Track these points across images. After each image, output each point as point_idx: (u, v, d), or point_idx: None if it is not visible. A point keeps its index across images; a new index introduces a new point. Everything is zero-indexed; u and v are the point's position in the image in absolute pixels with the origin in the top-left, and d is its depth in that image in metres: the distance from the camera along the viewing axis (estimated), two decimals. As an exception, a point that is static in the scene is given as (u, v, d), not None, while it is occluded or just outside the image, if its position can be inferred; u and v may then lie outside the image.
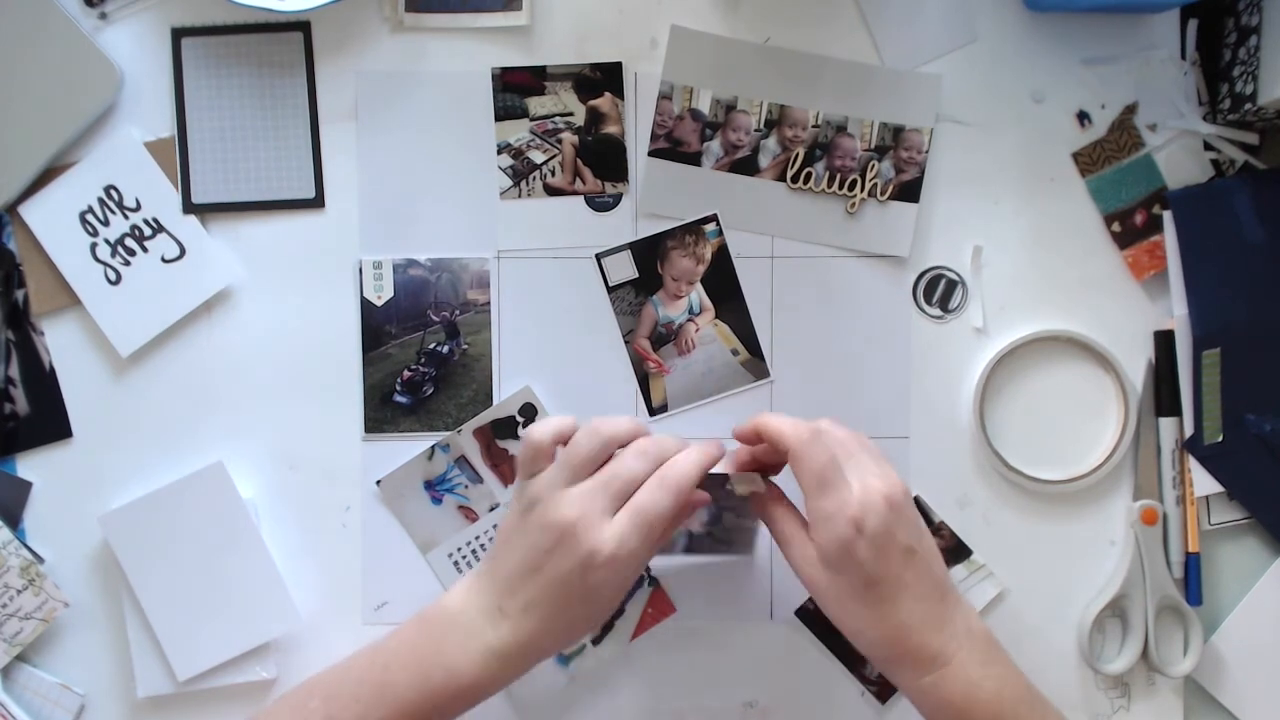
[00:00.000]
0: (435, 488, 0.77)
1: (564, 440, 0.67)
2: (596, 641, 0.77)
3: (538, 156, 0.77)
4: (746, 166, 0.77)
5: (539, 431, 0.67)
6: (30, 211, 0.76)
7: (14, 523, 0.76)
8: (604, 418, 0.67)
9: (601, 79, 0.77)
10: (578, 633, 0.69)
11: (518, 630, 0.65)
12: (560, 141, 0.77)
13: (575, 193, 0.77)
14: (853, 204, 0.77)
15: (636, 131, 0.77)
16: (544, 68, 0.77)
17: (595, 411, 0.76)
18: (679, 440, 0.67)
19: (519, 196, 0.77)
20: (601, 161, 0.77)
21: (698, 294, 0.77)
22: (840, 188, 0.77)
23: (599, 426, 0.66)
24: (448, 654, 0.65)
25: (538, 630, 0.65)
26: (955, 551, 0.77)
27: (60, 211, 0.76)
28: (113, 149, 0.76)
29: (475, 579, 0.67)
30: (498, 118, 0.77)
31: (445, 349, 0.77)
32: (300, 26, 0.76)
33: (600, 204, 0.77)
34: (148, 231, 0.76)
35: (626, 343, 0.77)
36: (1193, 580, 0.76)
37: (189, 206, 0.77)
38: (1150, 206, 0.77)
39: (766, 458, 0.70)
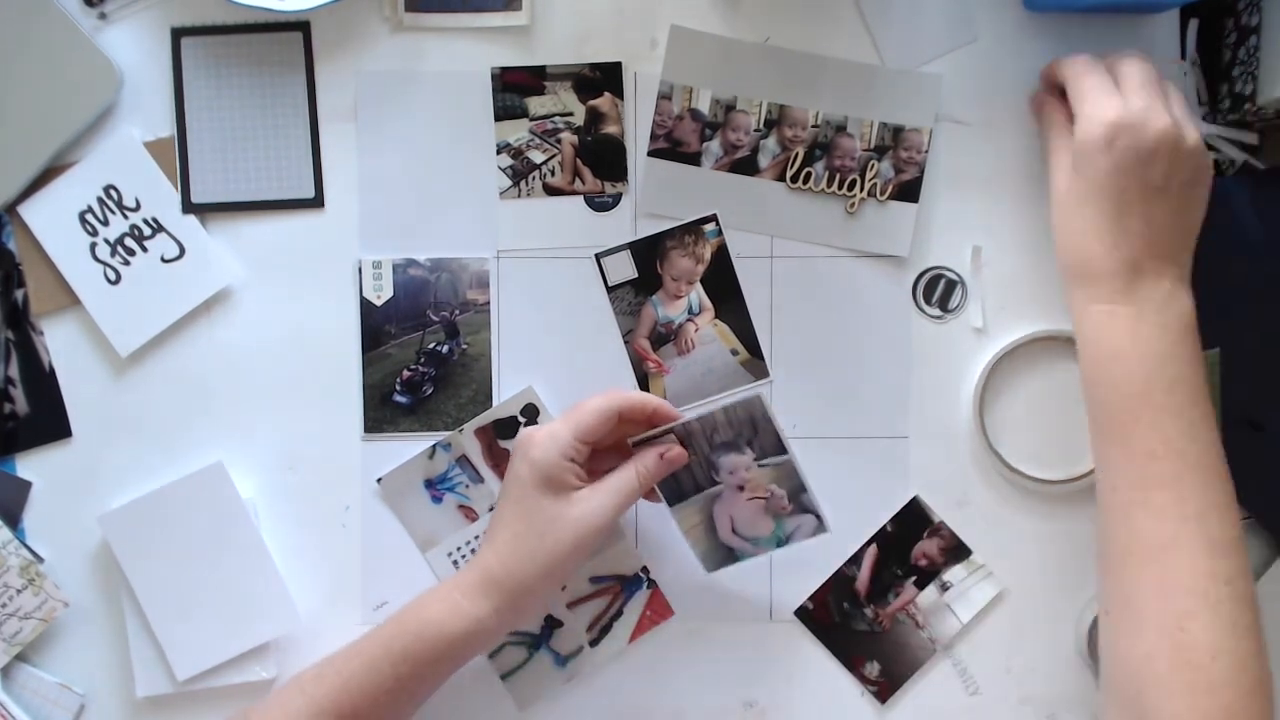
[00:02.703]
0: (436, 486, 0.77)
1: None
2: (595, 643, 0.77)
3: (537, 156, 0.77)
4: (746, 166, 0.77)
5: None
6: (30, 211, 0.76)
7: (14, 522, 0.76)
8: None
9: (601, 79, 0.77)
10: (537, 563, 0.69)
11: (484, 563, 0.69)
12: (560, 141, 0.77)
13: (575, 193, 0.77)
14: (852, 204, 0.77)
15: (636, 131, 0.77)
16: (544, 68, 0.77)
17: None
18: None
19: (519, 196, 0.77)
20: (601, 161, 0.77)
21: (697, 294, 0.77)
22: (840, 188, 0.77)
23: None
24: (428, 605, 0.69)
25: (500, 554, 0.69)
26: (955, 551, 0.77)
27: (60, 211, 0.76)
28: (112, 149, 0.76)
29: (465, 573, 0.70)
30: (497, 117, 0.77)
31: (445, 349, 0.77)
32: (300, 26, 0.76)
33: (600, 204, 0.77)
34: (147, 231, 0.76)
35: (626, 343, 0.77)
36: (1192, 580, 0.76)
37: (189, 206, 0.77)
38: (1150, 206, 0.77)
39: None
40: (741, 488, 0.73)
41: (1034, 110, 0.75)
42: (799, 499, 0.73)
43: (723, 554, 0.75)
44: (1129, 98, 0.66)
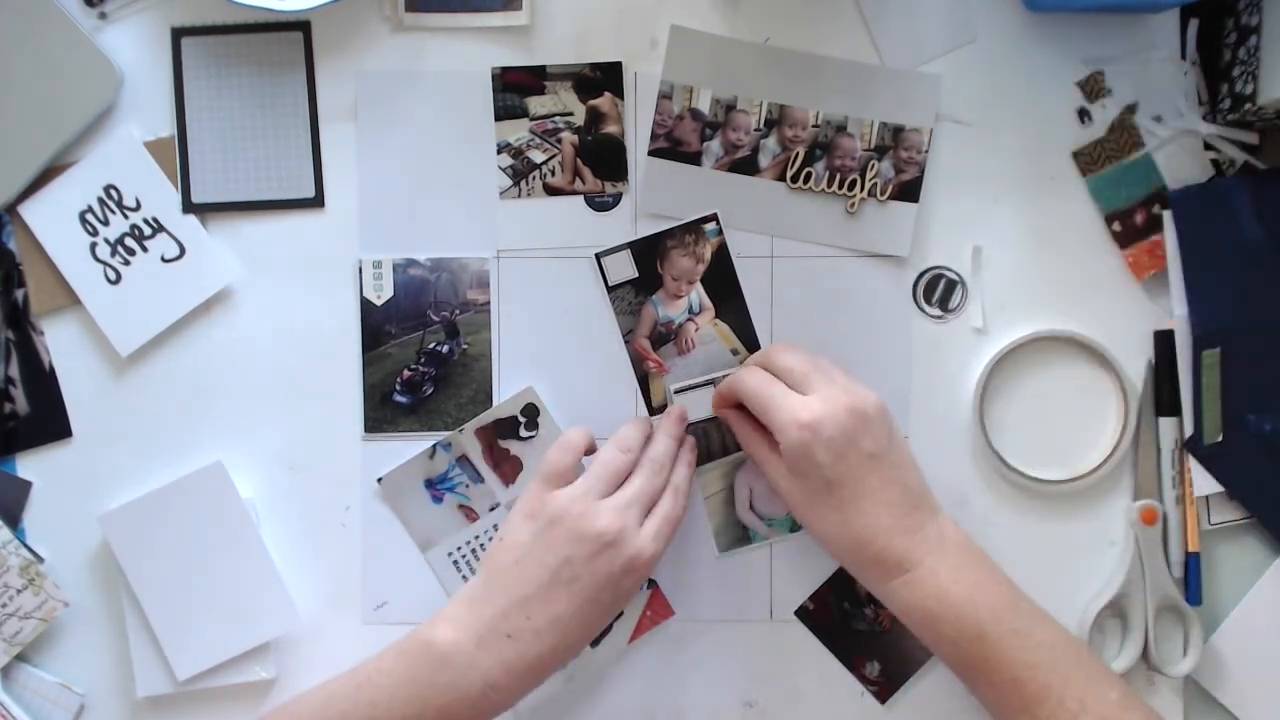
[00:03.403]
0: (436, 486, 0.77)
1: (587, 452, 0.73)
2: (595, 644, 0.77)
3: (538, 156, 0.77)
4: (746, 166, 0.77)
5: (567, 446, 0.71)
6: (30, 211, 0.76)
7: (14, 522, 0.76)
8: (619, 433, 0.73)
9: (601, 79, 0.77)
10: (586, 640, 0.71)
11: (527, 654, 0.67)
12: (560, 141, 0.77)
13: (575, 192, 0.77)
14: (852, 204, 0.77)
15: (636, 131, 0.77)
16: (544, 67, 0.77)
17: (595, 410, 0.77)
18: (668, 440, 0.74)
19: (519, 196, 0.77)
20: (601, 161, 0.77)
21: (697, 293, 0.77)
22: (840, 187, 0.77)
23: (621, 443, 0.72)
24: (441, 696, 0.66)
25: (555, 647, 0.67)
26: (955, 551, 0.77)
27: (60, 211, 0.76)
28: (113, 149, 0.76)
29: (468, 608, 0.68)
30: (498, 117, 0.77)
31: (445, 349, 0.77)
32: (300, 26, 0.76)
33: (600, 204, 0.77)
34: (147, 231, 0.76)
35: (626, 342, 0.77)
36: (1192, 580, 0.76)
37: (189, 206, 0.77)
38: (1150, 206, 0.77)
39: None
40: None
41: (725, 425, 0.76)
42: None
43: (736, 533, 0.77)
44: (807, 393, 0.69)
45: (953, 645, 0.67)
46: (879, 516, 0.68)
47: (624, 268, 0.77)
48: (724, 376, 0.76)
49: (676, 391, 0.77)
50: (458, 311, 0.77)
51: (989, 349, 0.77)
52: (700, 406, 0.77)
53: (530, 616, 0.67)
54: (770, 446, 0.71)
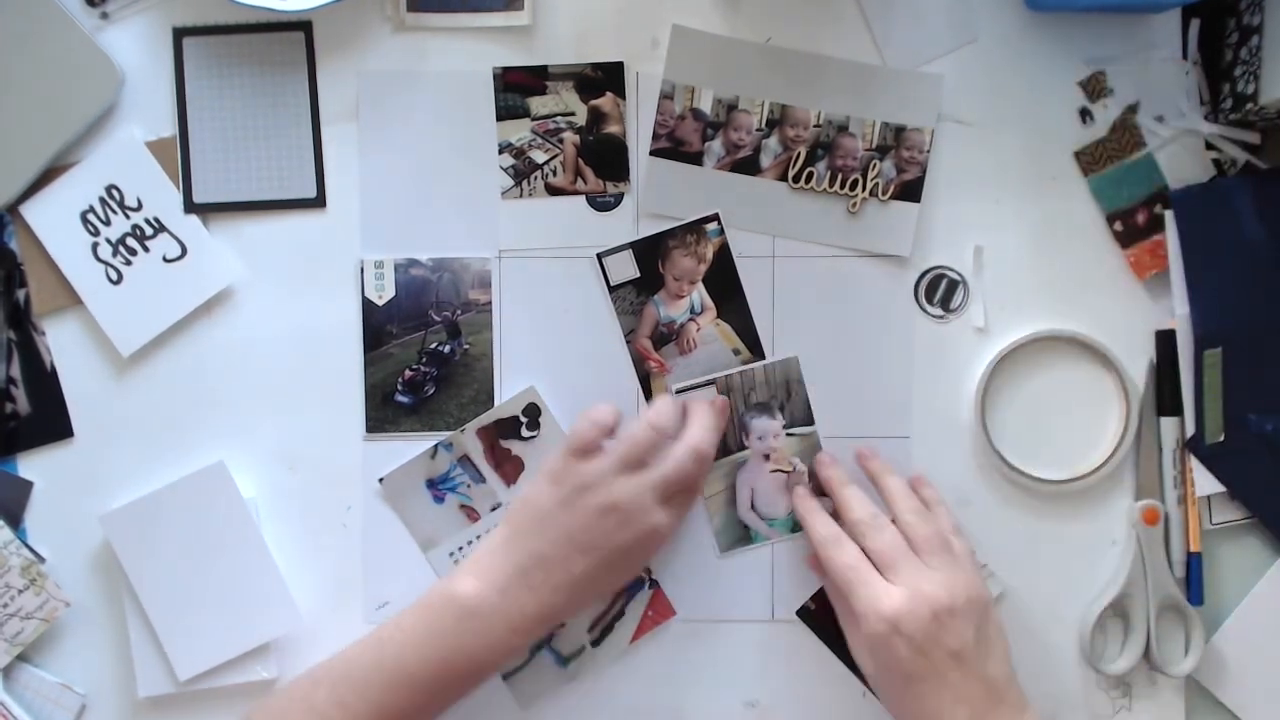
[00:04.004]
0: (438, 486, 0.77)
1: (612, 431, 0.73)
2: (596, 643, 0.77)
3: (539, 156, 0.77)
4: (748, 166, 0.77)
5: (596, 422, 0.72)
6: (31, 211, 0.76)
7: (15, 522, 0.76)
8: (654, 410, 0.73)
9: (603, 78, 0.77)
10: (601, 598, 0.76)
11: (547, 603, 0.69)
12: (562, 141, 0.77)
13: (577, 192, 0.77)
14: (854, 204, 0.77)
15: (638, 131, 0.77)
16: (545, 67, 0.77)
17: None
18: (704, 433, 0.73)
19: (520, 196, 0.77)
20: (603, 161, 0.77)
21: (699, 293, 0.77)
22: (842, 187, 0.77)
23: (654, 421, 0.72)
24: (468, 643, 0.69)
25: (569, 600, 0.70)
26: (957, 551, 0.77)
27: (62, 211, 0.76)
28: (114, 149, 0.76)
29: (490, 560, 0.70)
30: (499, 117, 0.77)
31: (447, 349, 0.77)
32: (302, 26, 0.76)
33: (602, 203, 0.77)
34: (149, 231, 0.76)
35: (628, 342, 0.77)
36: (1194, 580, 0.76)
37: (190, 206, 0.77)
38: (1152, 206, 0.77)
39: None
40: (767, 457, 0.77)
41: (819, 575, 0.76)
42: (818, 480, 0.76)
43: (737, 533, 0.77)
44: (895, 578, 0.68)
45: None
46: (956, 713, 0.66)
47: (625, 268, 0.77)
48: (725, 376, 0.76)
49: (677, 391, 0.77)
50: (459, 311, 0.77)
51: (990, 349, 0.77)
52: None
53: (548, 574, 0.69)
54: (854, 618, 0.70)
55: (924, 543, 0.70)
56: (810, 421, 0.77)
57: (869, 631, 0.68)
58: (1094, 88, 0.77)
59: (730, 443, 0.77)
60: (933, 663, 0.66)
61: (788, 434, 0.77)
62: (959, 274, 0.77)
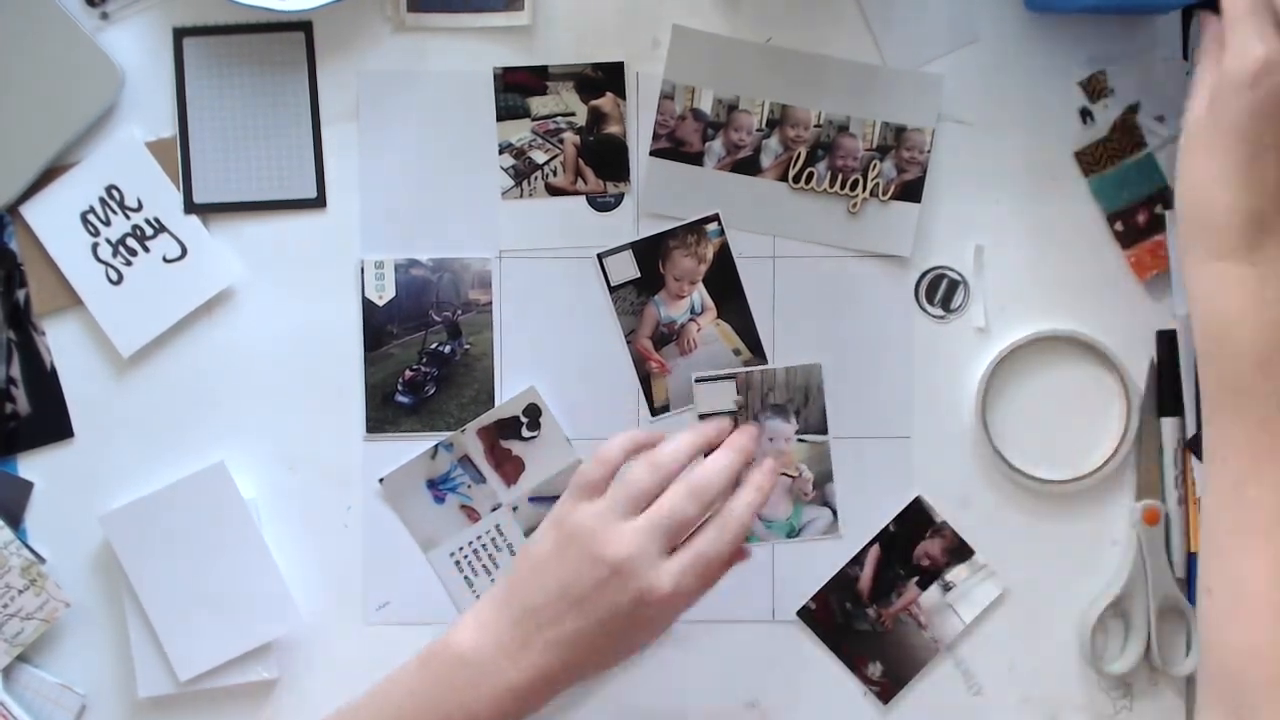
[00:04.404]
0: (438, 486, 0.77)
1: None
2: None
3: (539, 156, 0.77)
4: (748, 166, 0.77)
5: (604, 460, 0.67)
6: (31, 211, 0.76)
7: (15, 523, 0.76)
8: (662, 447, 0.67)
9: (603, 79, 0.77)
10: (604, 669, 0.69)
11: (541, 664, 0.64)
12: (562, 141, 0.77)
13: (577, 192, 0.77)
14: (854, 204, 0.77)
15: (638, 131, 0.77)
16: (545, 67, 0.77)
17: (598, 411, 0.77)
18: (726, 468, 0.67)
19: (520, 196, 0.77)
20: (603, 161, 0.77)
21: (699, 294, 0.77)
22: (842, 187, 0.77)
23: (659, 460, 0.66)
24: (463, 696, 0.64)
25: (565, 664, 0.64)
26: (957, 552, 0.77)
27: (61, 211, 0.76)
28: (114, 149, 0.76)
29: (490, 609, 0.66)
30: (499, 117, 0.77)
31: (447, 349, 0.77)
32: (302, 26, 0.76)
33: (602, 204, 0.77)
34: (149, 231, 0.76)
35: (628, 342, 0.77)
36: (1194, 580, 0.76)
37: (190, 206, 0.77)
38: (1153, 206, 0.77)
39: None
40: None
41: (1200, 28, 0.67)
42: (823, 488, 0.76)
43: None
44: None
45: (1229, 356, 0.60)
46: (1259, 197, 0.59)
47: (626, 268, 0.77)
48: (745, 374, 0.76)
49: (698, 381, 0.76)
50: (460, 312, 0.77)
51: (991, 349, 0.77)
52: (720, 398, 0.77)
53: (540, 629, 0.64)
54: (1215, 60, 0.62)
55: None
56: (824, 430, 0.77)
57: (1228, 68, 0.60)
58: (1094, 88, 0.77)
59: None
60: (1261, 135, 0.59)
61: (799, 439, 0.77)
62: (959, 274, 0.77)
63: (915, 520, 0.77)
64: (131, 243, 0.76)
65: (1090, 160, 0.77)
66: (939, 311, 0.78)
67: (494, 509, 0.77)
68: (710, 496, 0.66)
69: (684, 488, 0.65)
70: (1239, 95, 0.60)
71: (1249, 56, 0.59)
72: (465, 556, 0.77)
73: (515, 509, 0.77)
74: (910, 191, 0.77)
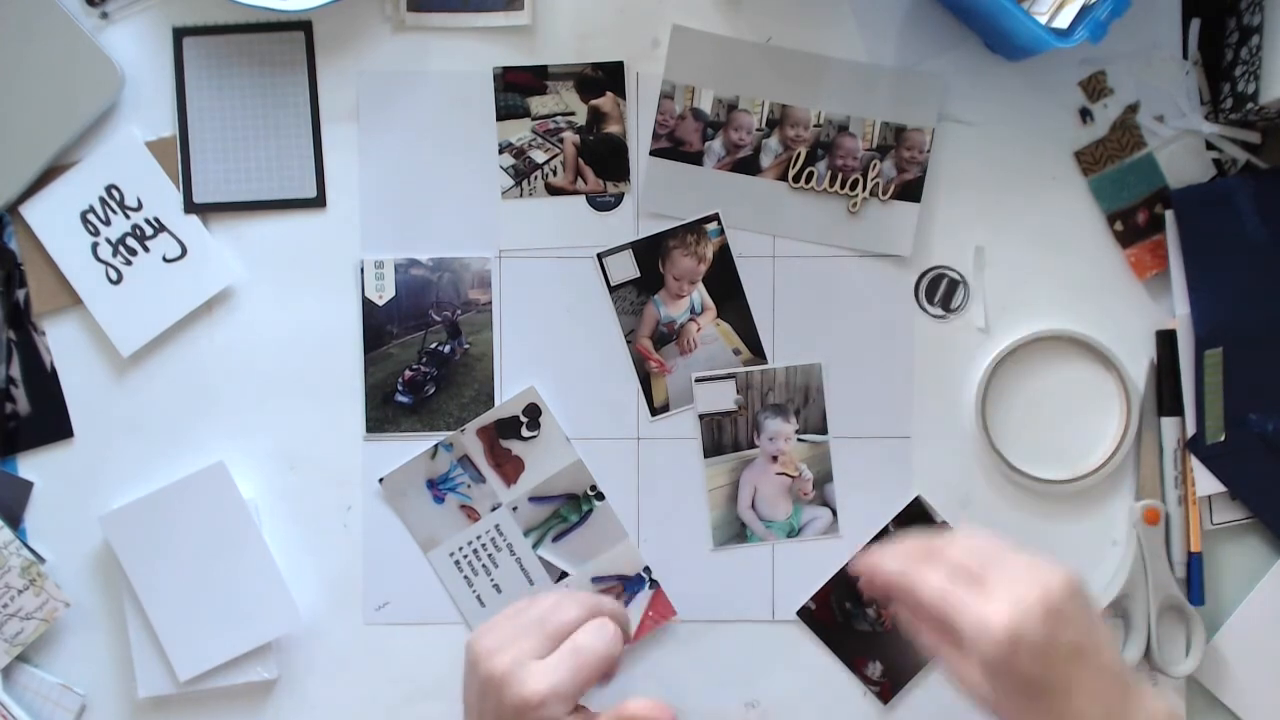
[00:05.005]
0: (438, 486, 0.77)
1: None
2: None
3: (539, 156, 0.77)
4: (748, 166, 0.77)
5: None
6: (31, 211, 0.76)
7: (15, 523, 0.76)
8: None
9: (603, 78, 0.77)
10: None
11: None
12: (562, 141, 0.77)
13: (577, 192, 0.77)
14: (854, 203, 0.77)
15: (638, 131, 0.77)
16: (545, 67, 0.77)
17: (598, 410, 0.77)
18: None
19: (520, 196, 0.77)
20: (603, 161, 0.77)
21: (699, 293, 0.77)
22: (842, 187, 0.77)
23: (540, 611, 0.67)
24: None
25: None
26: (957, 551, 0.77)
27: (61, 211, 0.76)
28: (114, 148, 0.76)
29: None
30: (499, 117, 0.77)
31: (447, 349, 0.77)
32: (302, 26, 0.76)
33: (602, 203, 0.77)
34: (149, 231, 0.76)
35: (628, 342, 0.77)
36: (1195, 580, 0.76)
37: (190, 206, 0.77)
38: (1152, 206, 0.77)
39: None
40: (775, 459, 0.76)
41: (904, 628, 0.66)
42: (822, 489, 0.76)
43: (734, 529, 0.77)
44: (987, 590, 0.60)
45: None
46: (1091, 714, 0.59)
47: (626, 267, 0.77)
48: (745, 374, 0.76)
49: (698, 380, 0.76)
50: (459, 311, 0.77)
51: (991, 349, 0.77)
52: (720, 398, 0.77)
53: None
54: (955, 645, 0.61)
55: (987, 550, 0.63)
56: (824, 430, 0.77)
57: (985, 659, 0.59)
58: (1094, 88, 0.77)
59: (741, 437, 0.77)
60: (1057, 669, 0.59)
61: (799, 439, 0.77)
62: (959, 274, 0.77)
63: (915, 520, 0.77)
64: (131, 242, 0.76)
65: (1090, 160, 0.77)
66: (939, 311, 0.78)
67: (494, 509, 0.77)
68: (592, 606, 0.67)
69: (566, 599, 0.67)
70: (1015, 665, 0.59)
71: (996, 632, 0.58)
72: (465, 556, 0.77)
73: (515, 509, 0.77)
74: (910, 191, 0.77)
